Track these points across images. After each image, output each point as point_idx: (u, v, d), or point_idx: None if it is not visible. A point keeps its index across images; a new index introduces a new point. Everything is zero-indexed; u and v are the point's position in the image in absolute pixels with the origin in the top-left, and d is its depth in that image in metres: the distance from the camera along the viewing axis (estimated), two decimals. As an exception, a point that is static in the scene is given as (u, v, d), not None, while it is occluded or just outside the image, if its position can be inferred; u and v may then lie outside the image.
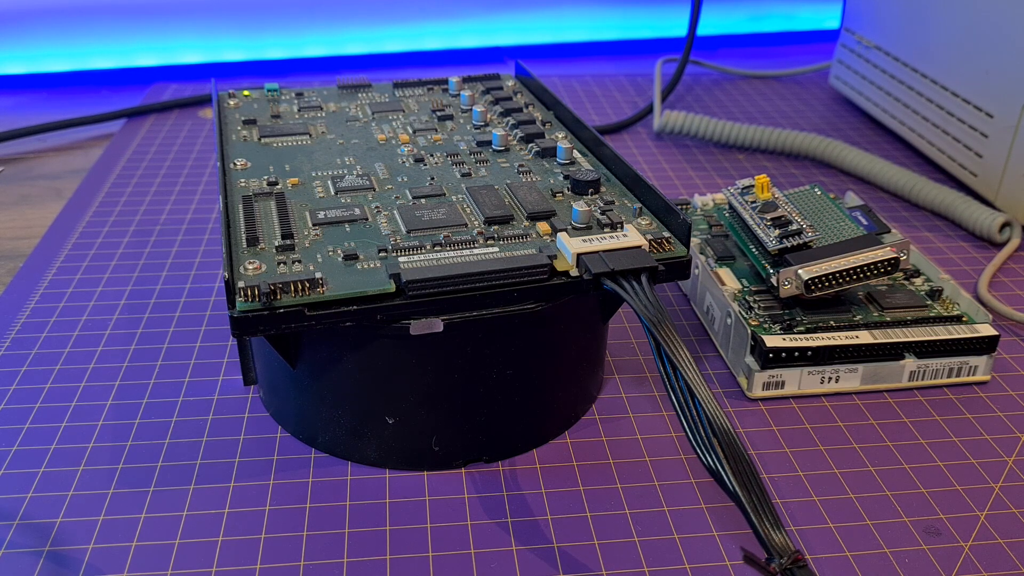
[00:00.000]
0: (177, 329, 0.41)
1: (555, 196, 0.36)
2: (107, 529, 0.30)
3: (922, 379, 0.38)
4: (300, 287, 0.29)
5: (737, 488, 0.26)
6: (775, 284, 0.38)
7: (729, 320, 0.39)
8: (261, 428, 0.35)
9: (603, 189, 0.37)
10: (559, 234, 0.32)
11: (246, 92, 0.47)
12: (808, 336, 0.37)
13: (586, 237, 0.32)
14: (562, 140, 0.41)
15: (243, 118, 0.43)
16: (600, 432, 0.35)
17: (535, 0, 0.81)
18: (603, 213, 0.34)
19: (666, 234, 0.33)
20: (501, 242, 0.33)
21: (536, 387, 0.33)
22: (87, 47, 0.74)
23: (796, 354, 0.36)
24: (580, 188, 0.36)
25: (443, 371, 0.32)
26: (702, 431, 0.27)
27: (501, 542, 0.30)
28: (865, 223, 0.42)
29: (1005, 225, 0.49)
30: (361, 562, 0.30)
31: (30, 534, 0.30)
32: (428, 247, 0.32)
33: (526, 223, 0.34)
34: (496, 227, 0.34)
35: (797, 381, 0.37)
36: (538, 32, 0.82)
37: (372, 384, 0.32)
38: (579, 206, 0.34)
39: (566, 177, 0.38)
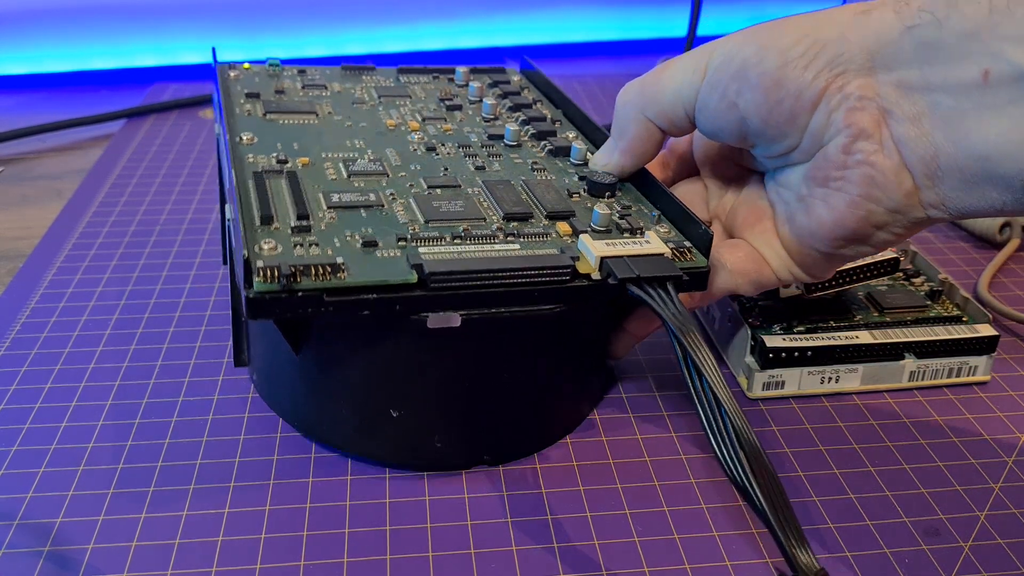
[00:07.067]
0: (177, 329, 0.41)
1: (571, 197, 0.35)
2: (107, 529, 0.30)
3: (922, 379, 0.38)
4: (321, 271, 0.28)
5: (765, 505, 0.25)
6: (775, 284, 0.38)
7: (729, 320, 0.39)
8: (261, 428, 0.35)
9: (619, 193, 0.36)
10: (581, 236, 0.31)
11: (247, 65, 0.45)
12: (808, 336, 0.37)
13: (609, 241, 0.31)
14: (576, 140, 0.40)
15: (246, 91, 0.42)
16: (600, 432, 0.35)
17: (535, 0, 0.81)
18: (622, 217, 0.33)
19: (687, 243, 0.32)
20: (521, 239, 0.32)
21: (545, 389, 0.33)
22: (87, 47, 0.74)
23: (796, 354, 0.36)
24: (597, 191, 0.35)
25: (452, 367, 0.31)
26: (728, 444, 0.26)
27: (501, 542, 0.30)
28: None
29: (1005, 225, 0.49)
30: (361, 562, 0.30)
31: (30, 534, 0.30)
32: (448, 239, 0.31)
33: (546, 222, 0.33)
34: (515, 224, 0.33)
35: (797, 381, 0.37)
36: (538, 32, 0.82)
37: (378, 375, 0.31)
38: (600, 208, 0.33)
39: (582, 178, 0.37)
